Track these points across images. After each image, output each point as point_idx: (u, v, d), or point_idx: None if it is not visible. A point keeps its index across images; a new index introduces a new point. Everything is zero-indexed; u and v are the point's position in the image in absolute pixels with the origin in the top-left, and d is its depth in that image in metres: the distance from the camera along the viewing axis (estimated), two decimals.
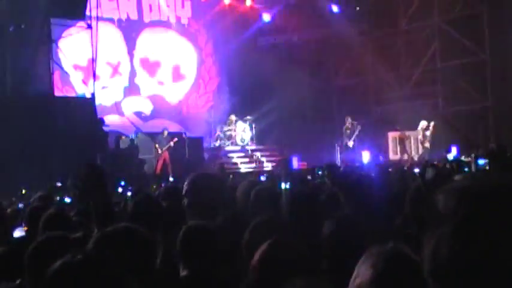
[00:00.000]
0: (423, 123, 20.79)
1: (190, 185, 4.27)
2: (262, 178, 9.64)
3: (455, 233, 1.21)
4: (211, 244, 3.17)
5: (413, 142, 21.62)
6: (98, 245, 2.46)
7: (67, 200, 6.95)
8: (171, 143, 19.88)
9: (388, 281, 1.84)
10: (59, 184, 10.15)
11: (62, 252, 2.05)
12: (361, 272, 1.95)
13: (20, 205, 8.39)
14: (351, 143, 20.52)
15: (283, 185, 4.46)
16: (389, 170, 12.98)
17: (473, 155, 2.95)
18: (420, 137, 20.74)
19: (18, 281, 3.12)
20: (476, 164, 3.02)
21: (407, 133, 22.02)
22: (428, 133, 20.53)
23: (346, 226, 2.88)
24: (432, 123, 20.69)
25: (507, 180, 1.27)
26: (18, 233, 3.99)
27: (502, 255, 1.17)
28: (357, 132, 20.70)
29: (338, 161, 19.72)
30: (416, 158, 19.85)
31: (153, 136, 20.58)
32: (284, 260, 2.42)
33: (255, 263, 2.47)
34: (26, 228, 4.05)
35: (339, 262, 2.33)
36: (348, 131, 20.68)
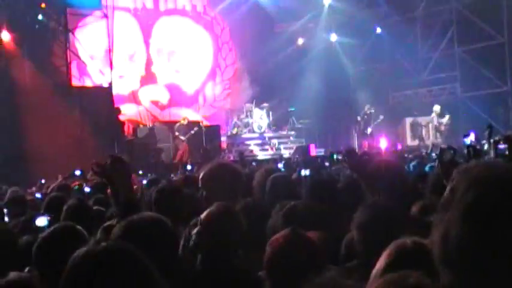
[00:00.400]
0: (436, 108, 20.59)
1: (207, 175, 4.25)
2: (280, 165, 9.61)
3: (465, 217, 1.20)
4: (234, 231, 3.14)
5: (431, 128, 21.48)
6: (123, 234, 2.47)
7: (86, 189, 6.99)
8: (192, 132, 19.90)
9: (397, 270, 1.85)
10: (77, 173, 10.20)
11: (71, 245, 2.06)
12: (379, 261, 2.03)
13: (38, 195, 8.47)
14: (369, 130, 20.40)
15: (303, 172, 4.43)
16: (406, 156, 12.96)
17: (492, 141, 2.92)
18: (436, 122, 20.54)
19: (27, 269, 3.14)
20: (496, 149, 2.99)
21: (419, 119, 21.89)
22: (444, 120, 20.32)
23: (382, 214, 2.87)
24: (447, 116, 20.43)
25: None
26: (41, 221, 4.02)
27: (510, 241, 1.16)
28: (379, 120, 20.52)
29: (356, 147, 19.63)
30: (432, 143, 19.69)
31: (171, 125, 20.62)
32: (297, 257, 2.36)
33: (268, 257, 2.42)
34: (49, 218, 4.07)
35: (373, 250, 2.32)
36: (366, 117, 20.55)
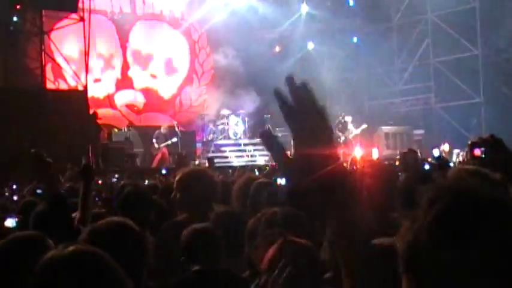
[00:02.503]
0: (364, 126, 20.68)
1: (183, 178, 4.23)
2: (257, 173, 9.63)
3: (434, 226, 1.22)
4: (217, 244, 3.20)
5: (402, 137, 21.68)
6: (89, 239, 2.44)
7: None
8: (170, 142, 19.89)
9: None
10: None
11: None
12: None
13: (15, 197, 8.37)
14: (342, 138, 20.43)
15: (278, 181, 4.39)
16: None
17: (469, 142, 2.92)
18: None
19: None
20: (472, 152, 2.98)
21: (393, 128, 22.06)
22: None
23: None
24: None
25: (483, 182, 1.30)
26: (9, 222, 3.97)
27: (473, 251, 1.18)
28: (363, 127, 20.48)
29: None
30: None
31: (147, 130, 20.56)
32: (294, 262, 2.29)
33: (266, 265, 2.33)
34: (17, 219, 4.02)
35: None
36: (341, 126, 20.58)
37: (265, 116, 23.45)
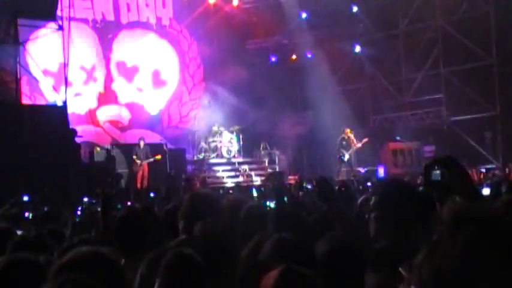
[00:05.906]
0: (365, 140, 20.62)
1: (186, 206, 4.29)
2: (255, 194, 9.65)
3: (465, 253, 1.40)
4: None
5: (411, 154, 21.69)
6: (59, 270, 2.47)
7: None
8: (152, 160, 19.82)
9: None
10: (25, 198, 10.03)
11: None
12: None
13: None
14: (346, 156, 20.26)
15: (268, 203, 4.41)
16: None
17: (423, 165, 2.94)
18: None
19: None
20: (430, 176, 2.94)
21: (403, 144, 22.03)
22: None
23: (339, 247, 2.96)
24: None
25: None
26: None
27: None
28: (359, 145, 20.37)
29: (336, 175, 19.58)
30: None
31: (130, 147, 20.49)
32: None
33: None
34: None
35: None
36: (345, 143, 20.41)
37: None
